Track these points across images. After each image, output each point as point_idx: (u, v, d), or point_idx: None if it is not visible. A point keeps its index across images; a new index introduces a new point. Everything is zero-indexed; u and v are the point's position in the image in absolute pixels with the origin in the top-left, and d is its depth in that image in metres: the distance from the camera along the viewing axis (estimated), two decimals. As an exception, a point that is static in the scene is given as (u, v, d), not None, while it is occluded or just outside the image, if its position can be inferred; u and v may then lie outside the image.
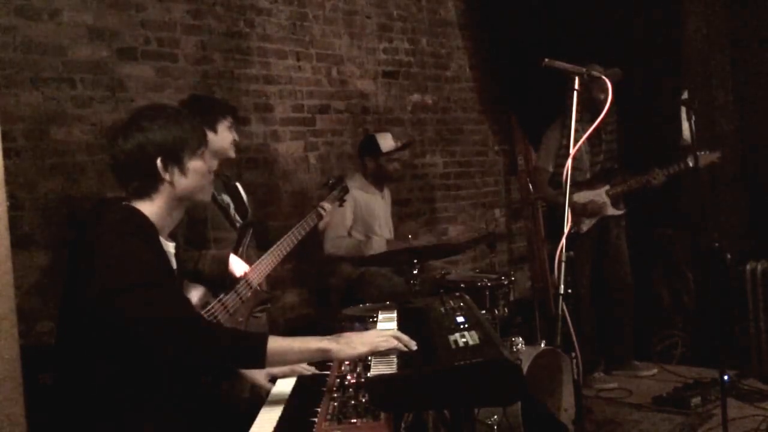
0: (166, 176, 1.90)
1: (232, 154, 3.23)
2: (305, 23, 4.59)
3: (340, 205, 3.82)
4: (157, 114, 1.96)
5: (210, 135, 3.10)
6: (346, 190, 3.72)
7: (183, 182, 1.93)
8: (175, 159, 1.91)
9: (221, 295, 2.98)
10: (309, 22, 4.61)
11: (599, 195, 4.49)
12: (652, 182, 4.36)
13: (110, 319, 1.76)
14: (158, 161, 1.89)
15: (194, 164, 1.94)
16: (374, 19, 5.03)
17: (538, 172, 4.66)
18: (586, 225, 4.49)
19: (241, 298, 3.04)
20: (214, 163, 3.18)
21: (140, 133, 1.89)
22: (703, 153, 4.15)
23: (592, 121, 2.67)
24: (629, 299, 4.65)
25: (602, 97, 2.63)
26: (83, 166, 3.47)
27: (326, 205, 3.50)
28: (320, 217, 3.45)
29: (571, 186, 2.49)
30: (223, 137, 3.16)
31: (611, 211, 4.51)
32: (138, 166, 1.89)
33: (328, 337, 1.92)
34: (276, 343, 1.83)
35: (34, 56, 3.37)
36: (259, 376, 2.25)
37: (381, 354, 1.91)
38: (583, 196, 4.46)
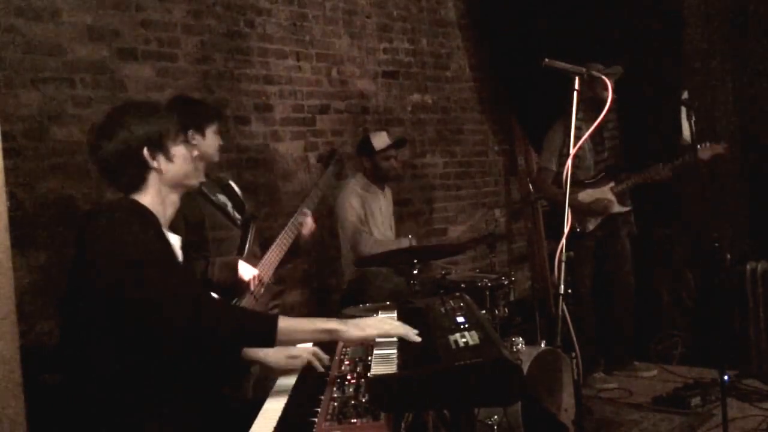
0: (154, 164, 1.97)
1: (216, 158, 3.19)
2: (305, 23, 4.59)
3: (339, 179, 3.74)
4: (134, 108, 2.06)
5: (197, 138, 3.10)
6: (341, 163, 3.60)
7: (171, 168, 2.00)
8: (160, 147, 1.99)
9: (235, 300, 2.98)
10: (309, 22, 4.61)
11: (604, 193, 4.46)
12: (657, 177, 4.35)
13: (118, 300, 1.78)
14: (144, 151, 1.96)
15: (178, 150, 2.02)
16: (374, 19, 5.03)
17: (541, 172, 4.63)
18: (592, 224, 4.47)
19: (255, 298, 3.05)
20: (201, 167, 3.17)
21: (123, 129, 1.95)
22: (705, 144, 4.15)
23: (596, 120, 2.66)
24: (630, 299, 4.65)
25: (606, 95, 2.62)
26: (83, 166, 3.46)
27: (307, 219, 3.34)
28: (300, 227, 3.31)
29: (575, 185, 2.49)
30: (210, 142, 3.11)
31: (618, 208, 4.49)
32: (127, 161, 1.95)
33: (337, 319, 2.01)
34: (285, 322, 1.91)
35: (34, 56, 3.37)
36: (277, 357, 2.25)
37: (381, 354, 1.92)
38: (588, 195, 4.43)
